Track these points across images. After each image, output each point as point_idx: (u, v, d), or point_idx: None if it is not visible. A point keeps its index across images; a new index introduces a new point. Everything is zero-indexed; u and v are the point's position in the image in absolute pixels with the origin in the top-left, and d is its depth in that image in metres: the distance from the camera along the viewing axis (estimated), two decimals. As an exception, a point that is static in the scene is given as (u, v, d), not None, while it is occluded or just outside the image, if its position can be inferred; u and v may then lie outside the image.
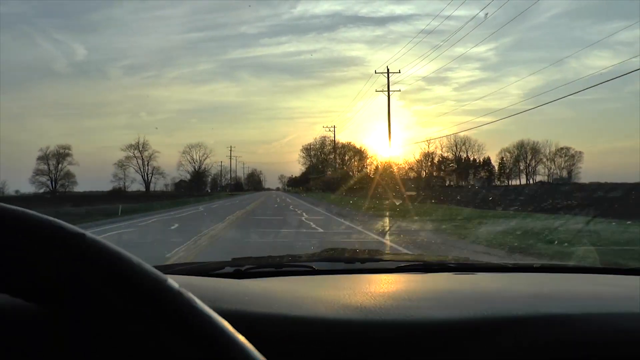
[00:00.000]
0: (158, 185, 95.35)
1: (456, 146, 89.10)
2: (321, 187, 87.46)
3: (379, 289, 1.12)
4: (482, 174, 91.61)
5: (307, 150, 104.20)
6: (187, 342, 0.37)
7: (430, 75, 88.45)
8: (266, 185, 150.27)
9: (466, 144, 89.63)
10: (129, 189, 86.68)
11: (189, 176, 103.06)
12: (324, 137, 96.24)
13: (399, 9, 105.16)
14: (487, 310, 0.84)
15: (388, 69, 35.40)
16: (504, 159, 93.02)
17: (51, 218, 0.38)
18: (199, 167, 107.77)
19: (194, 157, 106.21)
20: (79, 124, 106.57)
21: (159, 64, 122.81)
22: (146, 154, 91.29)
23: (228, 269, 1.38)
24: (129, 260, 0.38)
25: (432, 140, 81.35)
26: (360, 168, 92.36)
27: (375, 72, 36.52)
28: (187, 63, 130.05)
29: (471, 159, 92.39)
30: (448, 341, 0.75)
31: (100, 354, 0.53)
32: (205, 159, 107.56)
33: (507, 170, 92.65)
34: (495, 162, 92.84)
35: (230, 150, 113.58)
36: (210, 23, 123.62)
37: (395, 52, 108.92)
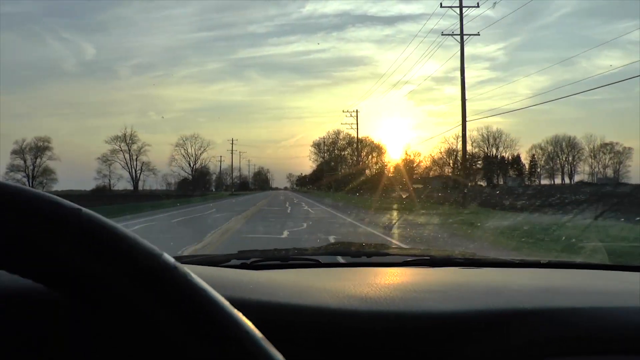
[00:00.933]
0: (149, 182, 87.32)
1: (488, 140, 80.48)
2: (334, 185, 79.97)
3: (385, 282, 1.14)
4: (511, 172, 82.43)
5: (318, 146, 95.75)
6: (182, 315, 0.37)
7: (440, 74, 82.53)
8: (274, 185, 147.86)
9: (497, 140, 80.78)
10: (115, 187, 79.04)
11: (184, 172, 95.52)
12: (338, 131, 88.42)
13: (408, 8, 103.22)
14: (494, 303, 0.84)
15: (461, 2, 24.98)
16: (535, 155, 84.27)
17: (47, 194, 0.38)
18: (195, 162, 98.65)
19: (189, 150, 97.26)
20: (87, 123, 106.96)
21: (167, 63, 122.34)
22: (134, 147, 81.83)
23: (235, 262, 1.38)
24: (124, 235, 0.38)
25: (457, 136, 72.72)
26: (378, 165, 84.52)
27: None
28: (195, 62, 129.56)
29: (500, 155, 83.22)
30: (454, 333, 0.75)
31: (96, 328, 0.54)
32: (202, 152, 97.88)
33: (539, 168, 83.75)
34: (525, 159, 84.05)
35: (232, 144, 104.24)
36: (219, 22, 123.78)
37: (405, 50, 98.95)
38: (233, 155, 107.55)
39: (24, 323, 0.60)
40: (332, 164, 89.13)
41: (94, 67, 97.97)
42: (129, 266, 0.37)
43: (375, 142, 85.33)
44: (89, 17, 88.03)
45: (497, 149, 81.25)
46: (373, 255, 1.55)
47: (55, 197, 0.38)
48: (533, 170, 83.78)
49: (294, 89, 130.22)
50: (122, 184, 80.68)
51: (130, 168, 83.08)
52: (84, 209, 0.38)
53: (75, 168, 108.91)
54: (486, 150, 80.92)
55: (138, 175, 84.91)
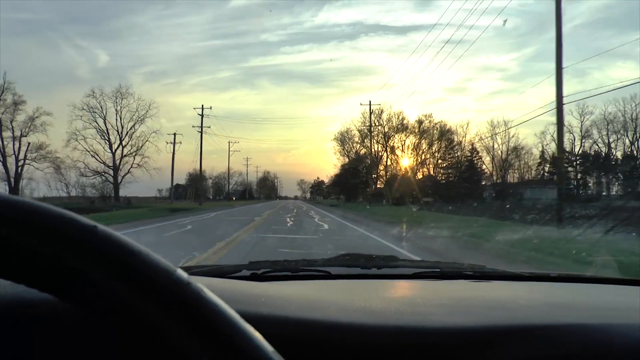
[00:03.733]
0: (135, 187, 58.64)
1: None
2: (366, 193, 57.56)
3: (394, 295, 1.17)
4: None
5: (342, 141, 71.89)
6: (195, 331, 0.37)
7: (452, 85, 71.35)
8: (283, 193, 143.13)
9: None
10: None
11: (97, 163, 56.35)
12: (380, 109, 63.43)
13: (421, 18, 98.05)
14: (502, 318, 0.85)
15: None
16: None
17: (64, 210, 0.39)
18: (124, 137, 56.51)
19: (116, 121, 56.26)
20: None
21: (179, 70, 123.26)
22: (20, 118, 47.77)
23: (245, 272, 1.39)
24: (139, 252, 0.39)
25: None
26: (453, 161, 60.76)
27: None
28: (207, 70, 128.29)
29: (606, 151, 59.53)
30: (462, 348, 0.74)
31: (110, 344, 0.55)
32: (140, 120, 56.82)
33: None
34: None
35: (229, 146, 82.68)
36: (232, 30, 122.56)
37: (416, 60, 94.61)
38: (230, 155, 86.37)
39: (40, 335, 0.61)
40: (362, 165, 65.88)
41: (107, 74, 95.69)
42: (144, 282, 0.37)
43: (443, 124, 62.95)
44: (104, 25, 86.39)
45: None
46: (383, 267, 1.59)
47: (72, 213, 0.39)
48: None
49: (306, 98, 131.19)
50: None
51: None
52: (99, 226, 0.39)
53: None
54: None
55: (20, 167, 48.59)
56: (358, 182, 64.69)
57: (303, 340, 0.69)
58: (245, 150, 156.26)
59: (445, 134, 62.93)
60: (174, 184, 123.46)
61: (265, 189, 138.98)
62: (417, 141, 64.06)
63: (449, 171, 60.41)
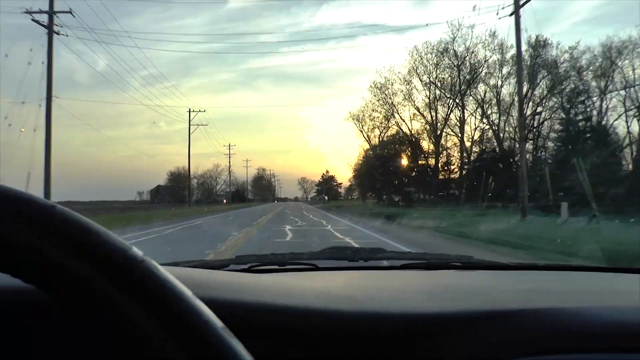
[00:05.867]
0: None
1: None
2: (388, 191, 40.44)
3: (376, 284, 1.16)
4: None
5: (359, 118, 51.22)
6: (147, 306, 0.38)
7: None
8: (282, 194, 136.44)
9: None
10: None
11: None
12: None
13: (420, 18, 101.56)
14: (484, 303, 0.85)
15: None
16: None
17: (22, 191, 0.39)
18: None
19: None
20: (99, 134, 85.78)
21: (178, 73, 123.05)
22: None
23: (233, 266, 1.38)
24: (95, 230, 0.39)
25: None
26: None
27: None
28: (206, 73, 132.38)
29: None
30: (438, 333, 0.75)
31: (66, 321, 0.57)
32: None
33: None
34: None
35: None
36: (230, 32, 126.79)
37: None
38: (226, 154, 70.59)
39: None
40: (392, 150, 45.29)
41: (106, 77, 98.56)
42: (99, 259, 0.38)
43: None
44: (102, 28, 78.42)
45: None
46: (370, 259, 1.58)
47: (29, 194, 0.39)
48: None
49: (305, 99, 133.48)
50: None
51: None
52: (58, 206, 0.39)
53: (85, 179, 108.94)
54: None
55: None
56: (412, 171, 43.49)
57: (276, 326, 0.70)
58: (244, 152, 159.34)
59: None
60: (156, 185, 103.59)
61: (261, 189, 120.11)
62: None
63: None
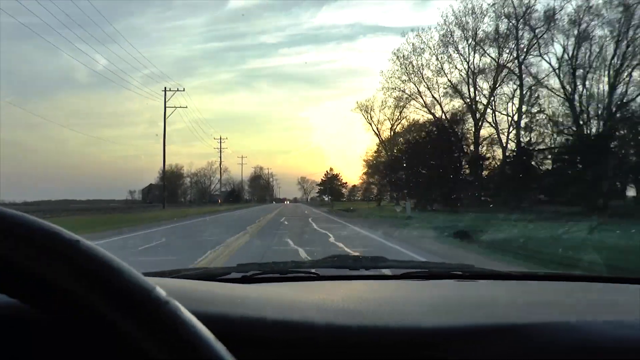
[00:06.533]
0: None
1: None
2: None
3: (377, 295, 1.16)
4: None
5: (368, 108, 46.25)
6: (170, 350, 0.37)
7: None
8: (280, 195, 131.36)
9: None
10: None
11: None
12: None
13: (420, 19, 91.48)
14: (484, 317, 0.85)
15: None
16: None
17: (47, 223, 0.39)
18: None
19: None
20: (99, 134, 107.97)
21: (178, 73, 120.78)
22: None
23: (234, 275, 1.39)
24: (119, 268, 0.39)
25: None
26: None
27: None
28: (206, 73, 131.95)
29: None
30: (439, 347, 0.75)
31: (85, 353, 0.55)
32: None
33: None
34: None
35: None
36: (230, 33, 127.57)
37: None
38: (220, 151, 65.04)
39: (14, 343, 0.61)
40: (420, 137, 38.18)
41: (106, 77, 73.93)
42: (122, 299, 0.38)
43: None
44: (102, 28, 79.40)
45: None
46: (371, 268, 1.58)
47: (55, 227, 0.39)
48: None
49: (305, 100, 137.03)
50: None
51: None
52: (82, 240, 0.39)
53: (83, 178, 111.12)
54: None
55: None
56: (452, 165, 33.07)
57: (278, 342, 0.70)
58: (243, 152, 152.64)
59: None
60: (148, 184, 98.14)
61: (258, 189, 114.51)
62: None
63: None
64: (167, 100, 40.33)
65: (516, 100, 33.80)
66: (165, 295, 0.40)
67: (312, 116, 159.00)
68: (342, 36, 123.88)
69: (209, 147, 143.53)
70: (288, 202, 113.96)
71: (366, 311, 0.85)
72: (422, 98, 39.21)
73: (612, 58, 28.12)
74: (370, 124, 48.09)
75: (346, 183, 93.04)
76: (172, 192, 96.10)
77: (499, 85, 34.78)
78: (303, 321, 0.74)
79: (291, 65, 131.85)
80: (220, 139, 63.24)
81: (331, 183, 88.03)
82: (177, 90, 41.55)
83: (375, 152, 47.71)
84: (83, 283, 0.38)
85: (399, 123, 45.25)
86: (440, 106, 38.28)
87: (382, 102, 44.56)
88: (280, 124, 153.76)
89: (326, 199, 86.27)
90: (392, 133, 46.37)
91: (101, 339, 0.38)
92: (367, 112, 47.41)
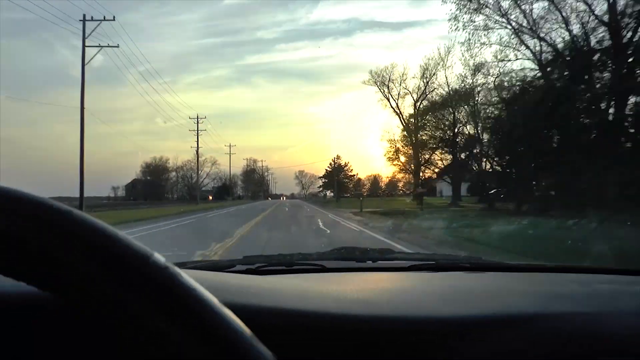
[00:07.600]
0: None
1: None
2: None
3: (388, 286, 1.17)
4: None
5: (384, 80, 37.35)
6: (171, 313, 0.37)
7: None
8: (277, 190, 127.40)
9: None
10: None
11: None
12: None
13: (417, 14, 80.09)
14: (495, 307, 0.86)
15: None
16: None
17: (39, 196, 0.39)
18: None
19: None
20: (95, 130, 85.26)
21: (175, 69, 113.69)
22: None
23: (240, 267, 1.39)
24: (115, 236, 0.38)
25: None
26: None
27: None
28: (203, 69, 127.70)
29: None
30: (453, 337, 0.75)
31: (85, 326, 0.56)
32: None
33: None
34: None
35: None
36: (227, 28, 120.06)
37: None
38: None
39: (17, 324, 0.61)
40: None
41: (102, 73, 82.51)
42: (120, 266, 0.37)
43: None
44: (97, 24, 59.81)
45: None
46: (378, 260, 1.58)
47: (47, 199, 0.39)
48: None
49: (302, 95, 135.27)
50: None
51: None
52: (75, 210, 0.39)
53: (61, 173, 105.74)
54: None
55: None
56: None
57: (294, 330, 0.70)
58: (240, 148, 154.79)
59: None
60: (132, 179, 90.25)
61: (252, 184, 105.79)
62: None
63: None
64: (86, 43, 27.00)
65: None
66: (164, 261, 0.39)
67: (310, 112, 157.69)
68: (339, 31, 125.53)
69: (213, 142, 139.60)
70: (284, 198, 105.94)
71: (380, 301, 0.86)
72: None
73: None
74: (388, 99, 39.27)
75: (356, 175, 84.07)
76: (157, 188, 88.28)
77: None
78: (320, 311, 0.74)
79: (288, 61, 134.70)
80: (197, 117, 51.55)
81: (338, 174, 76.10)
82: (104, 19, 27.66)
83: (404, 130, 38.29)
84: (80, 252, 0.37)
85: (425, 97, 36.48)
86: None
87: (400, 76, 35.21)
88: (277, 120, 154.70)
89: (329, 194, 76.84)
90: (416, 110, 37.46)
91: (100, 308, 0.38)
92: (383, 84, 38.77)
